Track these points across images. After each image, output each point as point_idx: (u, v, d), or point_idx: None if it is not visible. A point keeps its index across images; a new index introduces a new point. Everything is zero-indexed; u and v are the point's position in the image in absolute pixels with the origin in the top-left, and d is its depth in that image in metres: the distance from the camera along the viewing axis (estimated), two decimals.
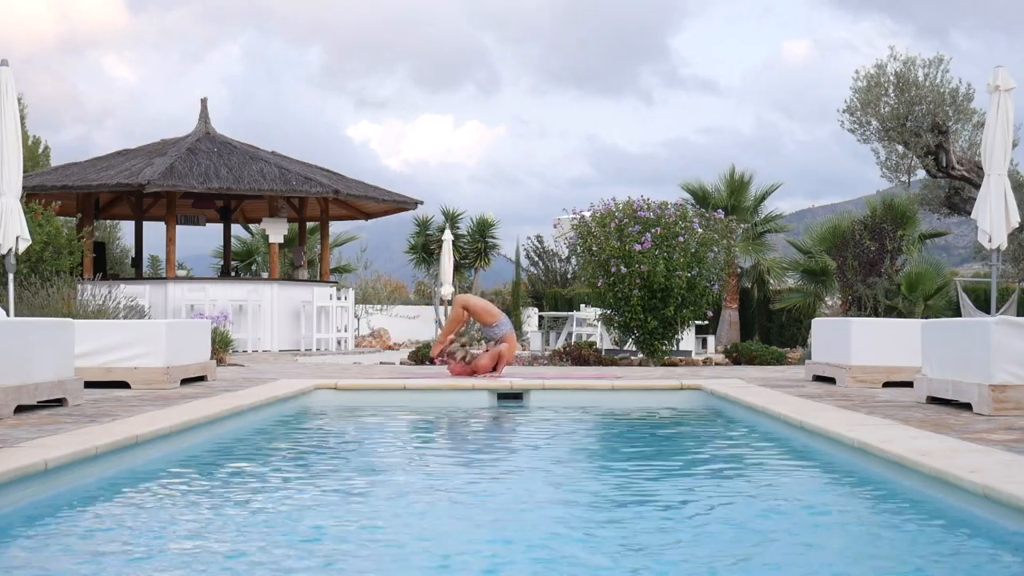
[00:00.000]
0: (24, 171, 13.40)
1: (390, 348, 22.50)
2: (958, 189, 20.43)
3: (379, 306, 26.25)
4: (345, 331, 19.59)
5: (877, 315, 17.34)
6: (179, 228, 19.87)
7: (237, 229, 26.93)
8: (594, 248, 14.20)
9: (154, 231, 23.56)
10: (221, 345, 14.19)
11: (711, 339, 20.44)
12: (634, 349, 15.23)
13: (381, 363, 16.20)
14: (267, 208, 20.93)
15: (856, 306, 17.96)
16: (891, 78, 18.95)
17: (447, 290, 24.17)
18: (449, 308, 25.52)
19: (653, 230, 13.81)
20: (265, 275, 25.98)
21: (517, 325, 26.75)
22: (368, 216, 23.43)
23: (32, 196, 17.52)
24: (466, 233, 27.80)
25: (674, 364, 14.15)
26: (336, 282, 22.44)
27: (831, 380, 10.42)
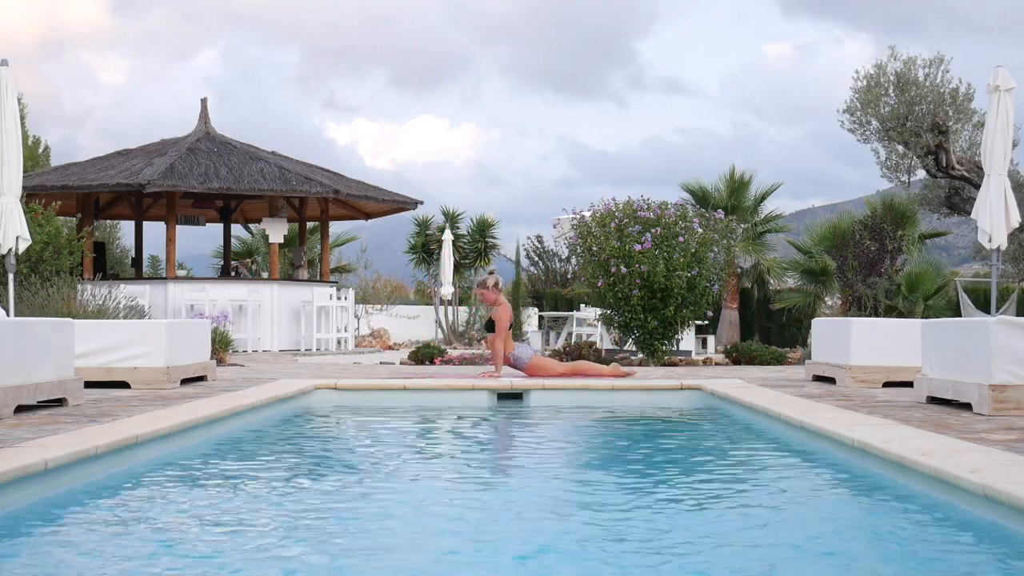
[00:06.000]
0: (24, 171, 13.40)
1: (390, 348, 22.49)
2: (958, 189, 20.42)
3: (379, 306, 26.23)
4: (345, 331, 19.59)
5: (877, 315, 17.33)
6: (179, 228, 19.87)
7: (237, 229, 26.92)
8: (594, 248, 14.20)
9: (154, 231, 23.57)
10: (221, 345, 14.19)
11: (711, 339, 20.44)
12: (634, 349, 15.22)
13: (381, 363, 16.20)
14: (267, 208, 20.92)
15: (856, 306, 17.97)
16: (891, 78, 18.96)
17: (447, 290, 24.16)
18: (449, 308, 25.55)
19: (653, 230, 13.80)
20: (265, 275, 25.98)
21: (517, 325, 26.72)
22: (368, 216, 23.43)
23: (32, 196, 17.52)
24: (466, 233, 27.78)
25: (674, 364, 14.15)
26: (336, 282, 22.43)
27: (831, 380, 10.42)
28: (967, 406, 7.37)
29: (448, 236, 24.29)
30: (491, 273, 11.03)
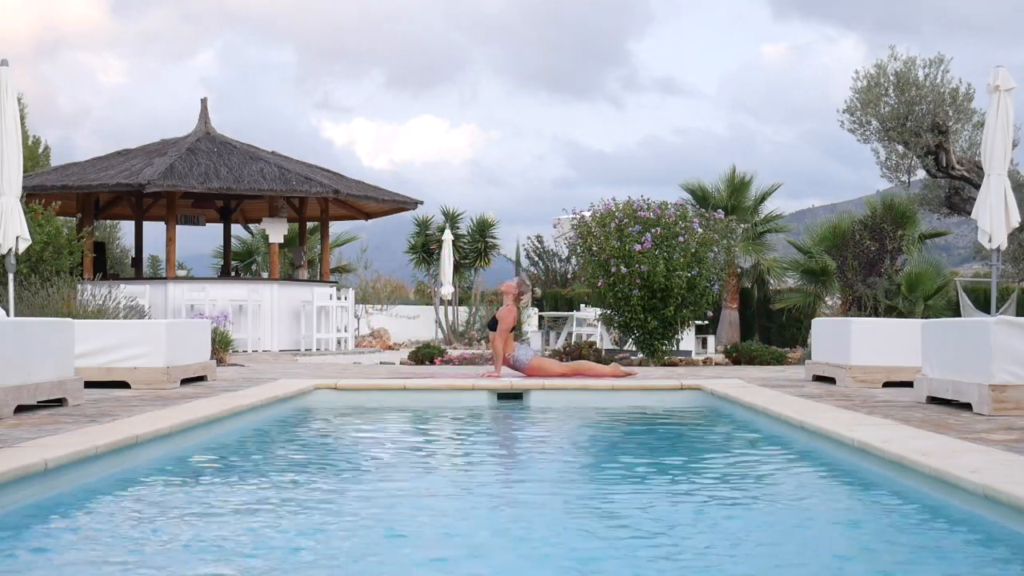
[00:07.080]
0: (24, 171, 13.40)
1: (390, 348, 22.50)
2: (958, 189, 20.43)
3: (379, 306, 26.23)
4: (345, 331, 19.59)
5: (877, 315, 17.33)
6: (179, 228, 19.87)
7: (237, 229, 26.92)
8: (594, 248, 14.20)
9: (154, 231, 23.56)
10: (221, 345, 14.19)
11: (711, 339, 20.43)
12: (634, 349, 15.23)
13: (381, 363, 16.20)
14: (267, 208, 20.92)
15: (856, 306, 17.97)
16: (891, 78, 18.96)
17: (447, 290, 24.16)
18: (449, 308, 25.54)
19: (653, 230, 13.80)
20: (265, 275, 25.98)
21: (517, 325, 26.67)
22: (368, 216, 23.43)
23: (32, 196, 17.52)
24: (466, 233, 27.78)
25: (674, 364, 14.15)
26: (336, 282, 22.43)
27: (831, 380, 10.42)
28: (967, 406, 7.37)
29: (448, 236, 24.29)
30: (533, 290, 11.01)
